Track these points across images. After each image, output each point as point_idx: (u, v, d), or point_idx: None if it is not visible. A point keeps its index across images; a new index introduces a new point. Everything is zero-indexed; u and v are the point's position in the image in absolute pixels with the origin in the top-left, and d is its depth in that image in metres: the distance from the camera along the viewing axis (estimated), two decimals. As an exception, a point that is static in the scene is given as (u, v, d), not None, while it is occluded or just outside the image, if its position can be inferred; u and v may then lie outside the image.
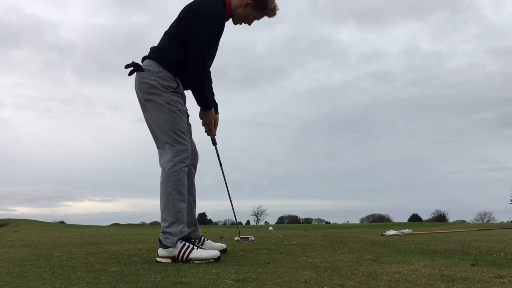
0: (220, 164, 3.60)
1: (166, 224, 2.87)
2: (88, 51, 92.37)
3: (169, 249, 2.85)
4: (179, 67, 3.01)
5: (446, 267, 2.48)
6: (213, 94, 3.41)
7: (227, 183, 3.68)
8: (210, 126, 3.34)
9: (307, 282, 2.10)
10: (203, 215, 65.99)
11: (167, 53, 3.02)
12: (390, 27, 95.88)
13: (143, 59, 3.12)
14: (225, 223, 64.01)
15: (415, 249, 3.53)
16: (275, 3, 3.18)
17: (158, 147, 3.03)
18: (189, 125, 3.30)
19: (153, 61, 3.03)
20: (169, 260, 2.83)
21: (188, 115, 3.26)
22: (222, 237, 4.45)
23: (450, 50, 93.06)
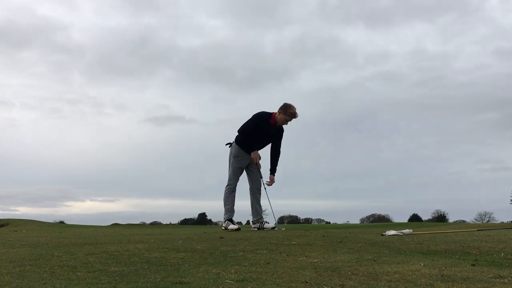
0: (261, 177, 6.34)
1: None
2: (98, 52, 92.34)
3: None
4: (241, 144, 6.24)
5: (446, 267, 2.48)
6: (276, 160, 6.36)
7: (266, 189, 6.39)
8: (255, 160, 6.16)
9: (307, 282, 2.10)
10: (203, 215, 65.91)
11: (236, 138, 6.30)
12: (398, 29, 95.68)
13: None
14: (225, 223, 63.92)
15: (415, 249, 3.53)
16: (293, 110, 5.94)
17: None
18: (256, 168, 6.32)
19: (234, 142, 6.33)
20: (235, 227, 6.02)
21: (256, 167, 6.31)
22: (222, 237, 4.45)
23: (457, 51, 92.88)
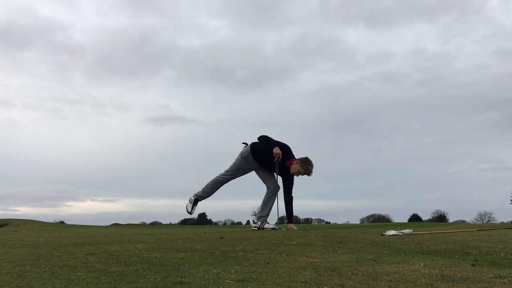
0: (277, 173, 6.10)
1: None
2: (98, 53, 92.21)
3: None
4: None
5: (446, 267, 2.48)
6: (291, 207, 6.38)
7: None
8: (277, 156, 5.83)
9: (307, 282, 2.10)
10: (203, 215, 65.94)
11: (254, 145, 6.13)
12: (398, 29, 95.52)
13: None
14: (225, 223, 63.99)
15: (415, 249, 3.53)
16: (311, 168, 5.89)
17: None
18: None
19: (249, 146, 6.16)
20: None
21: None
22: (222, 237, 4.45)
23: (457, 51, 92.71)
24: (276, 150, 5.87)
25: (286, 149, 6.00)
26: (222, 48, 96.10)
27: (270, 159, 5.95)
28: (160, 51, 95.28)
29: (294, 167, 5.89)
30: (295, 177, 6.09)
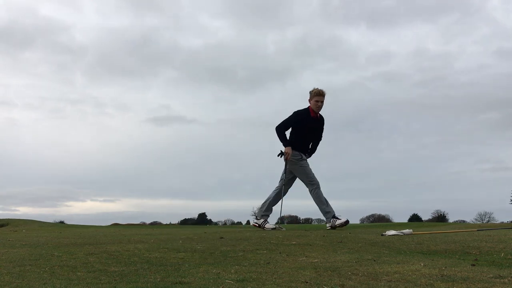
0: (285, 173, 6.21)
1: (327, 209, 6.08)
2: (99, 53, 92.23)
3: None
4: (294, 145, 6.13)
5: (446, 267, 2.48)
6: (313, 149, 6.35)
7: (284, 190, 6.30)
8: (289, 155, 6.04)
9: (307, 282, 2.10)
10: (203, 215, 65.93)
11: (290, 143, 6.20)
12: (399, 29, 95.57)
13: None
14: (225, 223, 63.99)
15: (415, 249, 3.53)
16: (315, 89, 6.04)
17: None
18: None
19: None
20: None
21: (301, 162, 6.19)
22: (222, 237, 4.45)
23: (458, 51, 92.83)
24: (287, 150, 6.00)
25: (299, 114, 6.08)
26: (223, 48, 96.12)
27: (305, 137, 6.15)
28: (161, 51, 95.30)
29: (312, 105, 6.04)
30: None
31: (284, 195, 6.31)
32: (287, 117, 6.11)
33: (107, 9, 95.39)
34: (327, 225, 6.16)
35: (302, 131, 6.10)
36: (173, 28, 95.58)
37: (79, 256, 3.05)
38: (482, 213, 60.25)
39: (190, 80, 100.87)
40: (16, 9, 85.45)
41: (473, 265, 2.61)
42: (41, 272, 2.44)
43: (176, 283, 2.11)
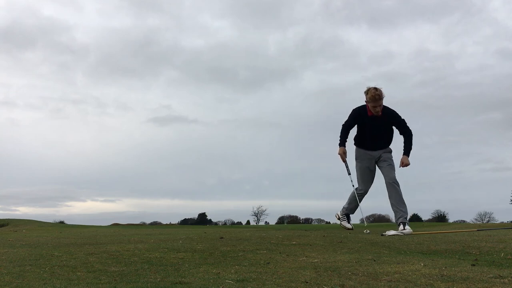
0: (349, 174, 6.03)
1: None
2: (101, 53, 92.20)
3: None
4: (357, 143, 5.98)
5: (446, 267, 2.48)
6: (405, 146, 5.99)
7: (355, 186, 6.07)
8: (341, 156, 5.86)
9: (307, 282, 2.10)
10: (203, 215, 65.94)
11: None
12: (401, 29, 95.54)
13: None
14: (225, 223, 63.99)
15: (415, 249, 3.53)
16: (371, 93, 5.42)
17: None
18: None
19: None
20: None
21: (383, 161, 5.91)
22: (222, 237, 4.45)
23: (460, 51, 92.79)
24: (340, 150, 5.82)
25: (356, 111, 5.74)
26: (224, 48, 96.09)
27: (367, 134, 5.84)
28: (162, 52, 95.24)
29: (370, 107, 5.55)
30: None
31: (364, 195, 6.10)
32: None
33: (108, 10, 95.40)
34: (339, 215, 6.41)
35: (362, 129, 5.79)
36: (175, 29, 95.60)
37: (79, 256, 3.05)
38: (482, 213, 60.29)
39: (192, 80, 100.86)
40: (18, 9, 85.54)
41: (473, 265, 2.61)
42: (41, 272, 2.44)
43: (176, 283, 2.11)
